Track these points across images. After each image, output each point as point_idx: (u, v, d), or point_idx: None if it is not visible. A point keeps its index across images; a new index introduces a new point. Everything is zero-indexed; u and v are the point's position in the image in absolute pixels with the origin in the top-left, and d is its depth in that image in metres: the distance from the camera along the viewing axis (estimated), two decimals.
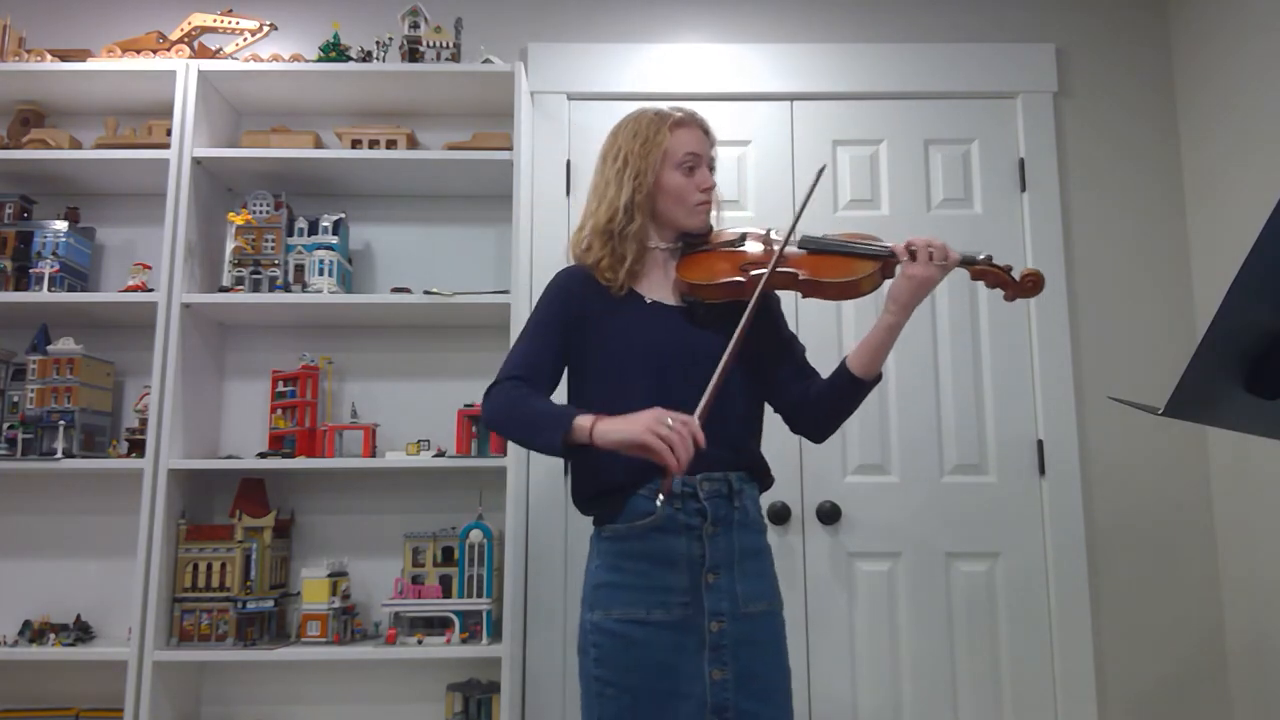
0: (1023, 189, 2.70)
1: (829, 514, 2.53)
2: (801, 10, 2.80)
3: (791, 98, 2.74)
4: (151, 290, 2.41)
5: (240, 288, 2.42)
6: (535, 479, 2.53)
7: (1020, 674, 2.49)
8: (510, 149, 2.45)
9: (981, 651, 2.51)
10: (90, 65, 2.48)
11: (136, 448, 2.37)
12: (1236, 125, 2.49)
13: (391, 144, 2.53)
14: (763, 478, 1.72)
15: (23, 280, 2.44)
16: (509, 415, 1.60)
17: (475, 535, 2.30)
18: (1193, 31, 2.70)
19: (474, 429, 2.39)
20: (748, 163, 2.72)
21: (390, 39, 2.56)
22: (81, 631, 2.36)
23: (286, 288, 2.44)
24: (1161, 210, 2.72)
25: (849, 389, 1.67)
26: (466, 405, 2.40)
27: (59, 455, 2.30)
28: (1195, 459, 2.61)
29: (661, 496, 1.48)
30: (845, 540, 2.55)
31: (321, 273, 2.44)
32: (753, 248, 1.73)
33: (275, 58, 2.57)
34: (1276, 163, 2.33)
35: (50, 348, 2.38)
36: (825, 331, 2.61)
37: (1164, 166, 2.74)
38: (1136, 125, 2.75)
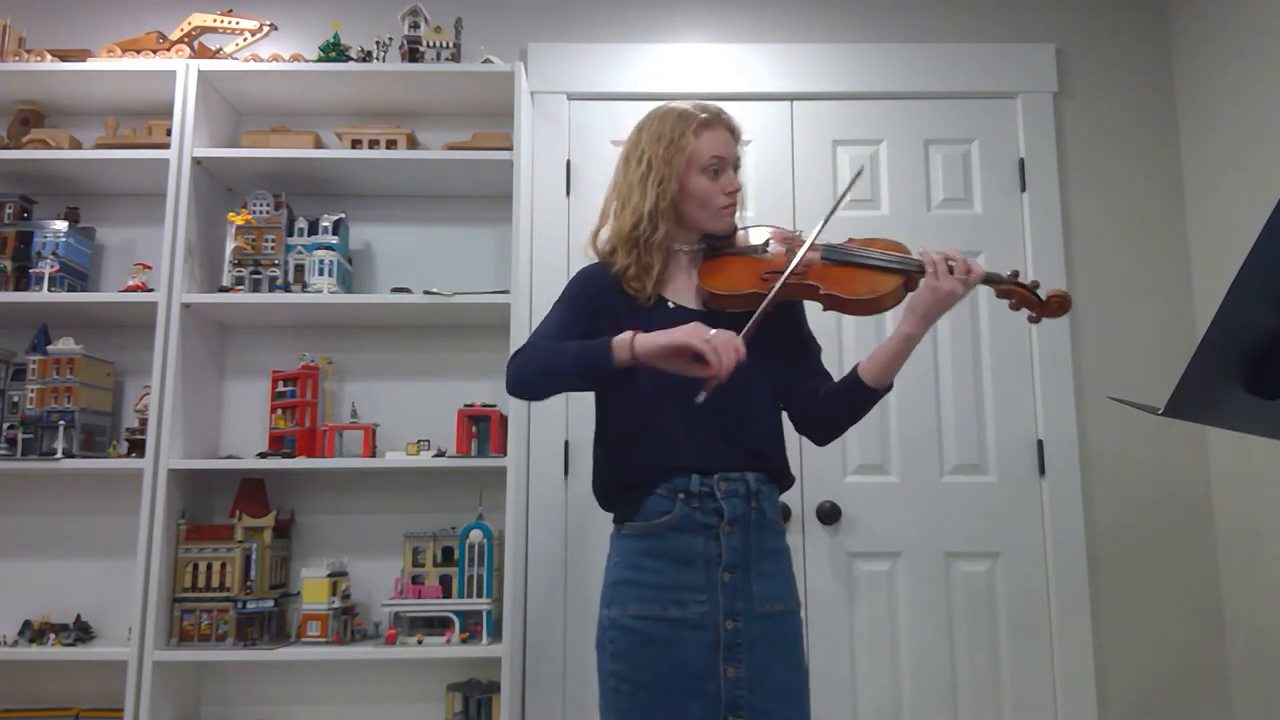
0: (1023, 189, 2.70)
1: (829, 514, 2.53)
2: (801, 10, 2.80)
3: (791, 98, 2.74)
4: (151, 290, 2.41)
5: (240, 288, 2.42)
6: (535, 479, 2.54)
7: (1020, 674, 2.49)
8: (510, 149, 2.45)
9: (981, 651, 2.51)
10: (90, 65, 2.48)
11: (136, 448, 2.37)
12: (1236, 125, 2.49)
13: (391, 144, 2.53)
14: (782, 479, 1.71)
15: (23, 280, 2.44)
16: (539, 362, 1.59)
17: (475, 535, 2.30)
18: (1193, 31, 2.70)
19: (474, 429, 2.39)
20: (747, 163, 2.70)
21: (390, 39, 2.56)
22: (81, 631, 2.36)
23: (286, 288, 2.44)
24: (1161, 210, 2.72)
25: (857, 396, 1.66)
26: (466, 405, 2.40)
27: (59, 455, 2.30)
28: (1195, 459, 2.61)
29: (704, 394, 1.48)
30: (845, 540, 2.55)
31: (321, 273, 2.44)
32: (775, 254, 1.69)
33: (275, 58, 2.57)
34: (1276, 163, 2.33)
35: (50, 348, 2.38)
36: (825, 332, 2.58)
37: (1164, 166, 2.74)
38: (1136, 125, 2.75)
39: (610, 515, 1.70)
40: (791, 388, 1.74)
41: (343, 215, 2.53)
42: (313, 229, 2.50)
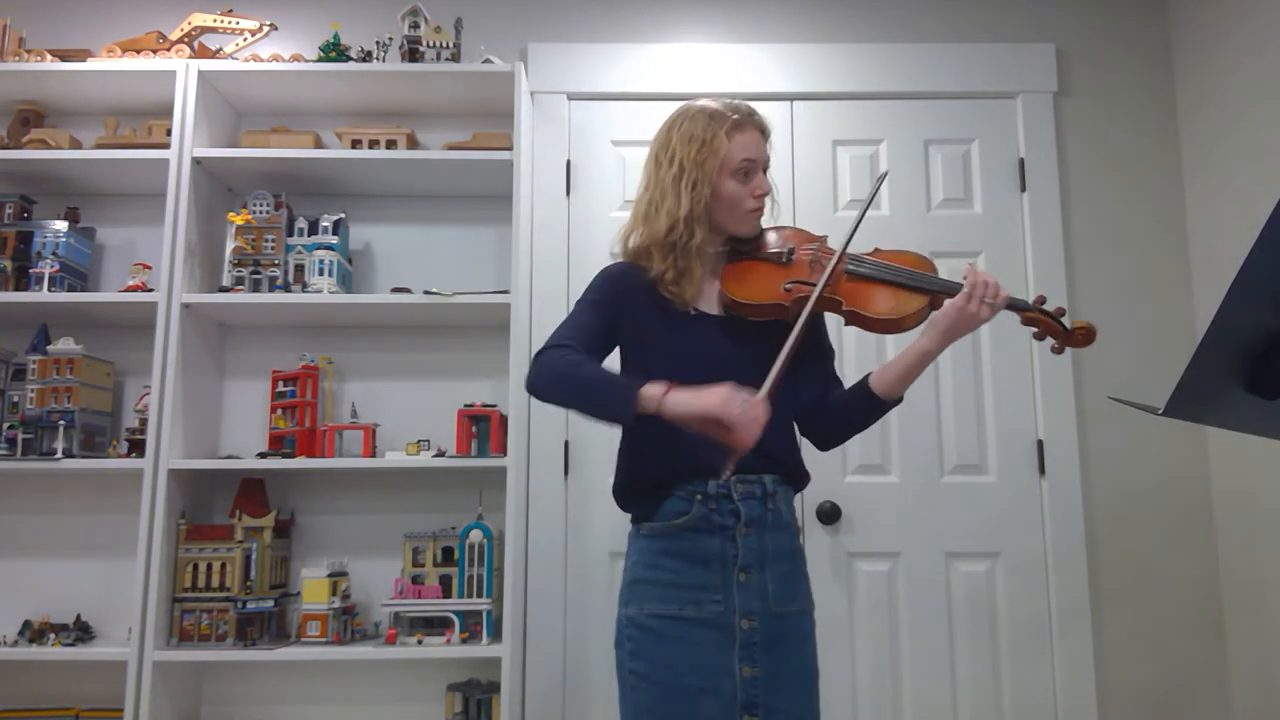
0: (1023, 189, 2.70)
1: (829, 514, 2.53)
2: (801, 10, 2.80)
3: (791, 98, 2.74)
4: (151, 290, 2.41)
5: (240, 288, 2.42)
6: (535, 479, 2.54)
7: (1020, 674, 2.49)
8: (510, 149, 2.45)
9: (981, 651, 2.51)
10: (90, 65, 2.48)
11: (136, 448, 2.37)
12: (1236, 125, 2.49)
13: (391, 144, 2.53)
14: (797, 481, 1.71)
15: (23, 280, 2.44)
16: (565, 379, 1.56)
17: (475, 535, 2.30)
18: (1193, 31, 2.70)
19: (474, 429, 2.39)
20: None
21: (390, 39, 2.56)
22: (81, 631, 2.36)
23: (286, 288, 2.44)
24: (1161, 210, 2.72)
25: (866, 407, 1.66)
26: (466, 405, 2.40)
27: (59, 455, 2.30)
28: (1195, 459, 2.61)
29: (729, 471, 1.47)
30: (845, 540, 2.55)
31: (321, 273, 2.44)
32: (799, 264, 1.67)
33: (275, 58, 2.57)
34: (1276, 163, 2.33)
35: (50, 348, 2.38)
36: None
37: (1164, 166, 2.74)
38: (1136, 125, 2.75)
39: (629, 515, 1.70)
40: (802, 389, 1.73)
41: (343, 215, 2.53)
42: (313, 229, 2.50)
